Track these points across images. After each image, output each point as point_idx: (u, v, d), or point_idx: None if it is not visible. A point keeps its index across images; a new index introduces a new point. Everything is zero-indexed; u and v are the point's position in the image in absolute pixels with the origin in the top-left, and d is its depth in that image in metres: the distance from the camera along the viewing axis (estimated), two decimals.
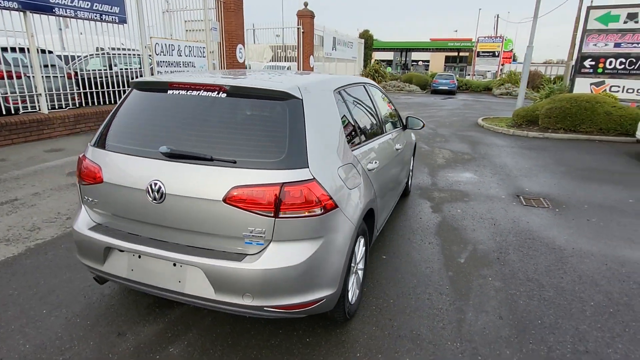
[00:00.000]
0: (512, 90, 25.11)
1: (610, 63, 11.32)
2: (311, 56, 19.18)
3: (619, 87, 11.29)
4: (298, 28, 18.15)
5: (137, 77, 6.18)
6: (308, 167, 1.93)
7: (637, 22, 10.90)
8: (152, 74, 9.47)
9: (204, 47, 11.20)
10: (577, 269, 3.33)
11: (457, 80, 28.21)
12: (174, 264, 2.02)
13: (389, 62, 50.36)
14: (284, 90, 2.07)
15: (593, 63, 11.55)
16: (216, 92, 2.12)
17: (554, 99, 10.26)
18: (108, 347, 2.26)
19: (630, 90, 11.16)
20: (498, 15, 36.66)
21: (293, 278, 1.93)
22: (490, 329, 2.52)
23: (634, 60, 11.01)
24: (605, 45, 11.33)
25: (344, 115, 2.57)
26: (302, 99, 2.08)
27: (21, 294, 2.71)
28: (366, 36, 33.99)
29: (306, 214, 1.91)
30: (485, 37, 36.59)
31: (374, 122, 3.27)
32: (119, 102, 2.44)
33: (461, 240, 3.85)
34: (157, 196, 1.98)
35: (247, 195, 1.87)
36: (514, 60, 41.07)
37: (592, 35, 11.48)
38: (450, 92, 26.25)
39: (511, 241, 3.85)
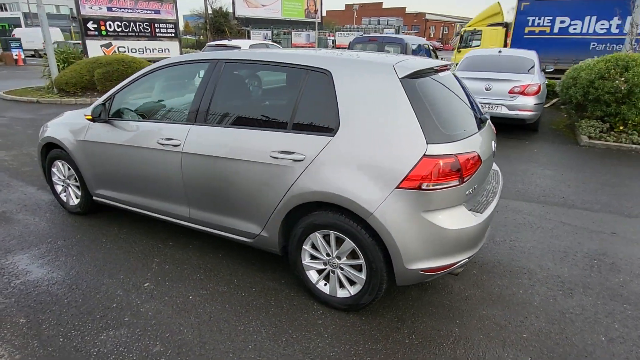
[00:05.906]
0: None
1: (110, 26, 12.51)
2: None
3: (125, 47, 12.88)
4: None
5: None
6: None
7: None
8: None
9: None
10: None
11: None
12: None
13: None
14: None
15: (96, 25, 12.25)
16: (449, 71, 2.74)
17: (101, 63, 10.53)
18: None
19: (134, 50, 13.11)
20: None
21: None
22: None
23: (127, 24, 12.83)
24: (100, 8, 12.23)
25: None
26: None
27: None
28: None
29: None
30: None
31: None
32: (408, 98, 2.21)
33: None
34: (495, 151, 2.74)
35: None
36: None
37: None
38: None
39: None
